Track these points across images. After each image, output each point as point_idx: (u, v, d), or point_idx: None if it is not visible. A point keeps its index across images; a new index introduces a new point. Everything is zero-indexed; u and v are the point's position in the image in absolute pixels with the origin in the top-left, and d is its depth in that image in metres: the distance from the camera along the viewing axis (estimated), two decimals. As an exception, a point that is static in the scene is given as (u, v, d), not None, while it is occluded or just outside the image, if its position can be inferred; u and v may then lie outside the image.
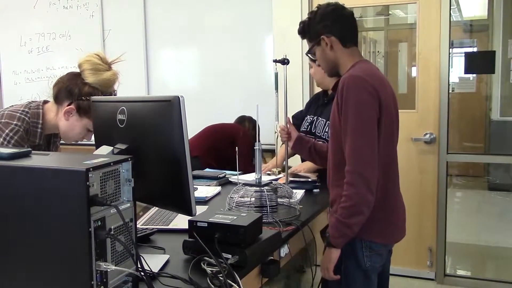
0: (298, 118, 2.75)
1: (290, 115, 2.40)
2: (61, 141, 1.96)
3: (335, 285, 1.84)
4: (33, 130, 1.75)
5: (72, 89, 1.73)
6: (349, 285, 1.81)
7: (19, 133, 1.69)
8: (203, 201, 2.09)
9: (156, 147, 1.31)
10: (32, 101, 1.82)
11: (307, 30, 1.90)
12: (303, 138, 2.22)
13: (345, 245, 1.75)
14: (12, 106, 1.79)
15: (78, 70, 1.77)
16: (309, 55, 1.95)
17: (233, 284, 1.22)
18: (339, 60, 1.85)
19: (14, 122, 1.70)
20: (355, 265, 1.79)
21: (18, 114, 1.72)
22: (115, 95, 1.80)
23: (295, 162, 2.77)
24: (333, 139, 1.83)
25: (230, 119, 3.77)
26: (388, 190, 1.81)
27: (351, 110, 1.68)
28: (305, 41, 1.97)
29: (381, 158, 1.72)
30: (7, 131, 1.67)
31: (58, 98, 1.77)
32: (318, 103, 2.69)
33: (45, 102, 1.82)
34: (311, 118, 2.64)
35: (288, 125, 2.22)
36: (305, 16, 3.59)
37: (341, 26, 1.84)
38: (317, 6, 1.89)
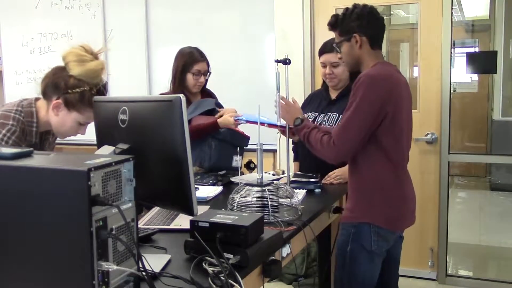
0: None
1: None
2: (58, 139, 1.93)
3: (340, 265, 1.91)
4: (28, 130, 1.72)
5: (57, 83, 1.69)
6: (353, 266, 1.91)
7: (16, 133, 1.66)
8: (204, 201, 2.09)
9: (158, 147, 1.32)
10: (24, 99, 1.78)
11: (339, 24, 2.00)
12: (308, 120, 2.22)
13: (353, 228, 1.92)
14: (3, 105, 1.75)
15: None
16: (336, 48, 2.06)
17: (234, 284, 1.22)
18: (364, 58, 1.99)
19: (10, 123, 1.67)
20: (361, 247, 1.89)
21: (12, 114, 1.69)
22: (105, 87, 1.73)
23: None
24: None
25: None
26: (399, 181, 1.95)
27: (356, 104, 1.84)
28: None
29: (391, 153, 1.89)
30: (4, 131, 1.64)
31: (46, 94, 1.74)
32: (319, 101, 2.70)
33: (37, 99, 1.78)
34: (314, 115, 2.64)
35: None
36: (307, 17, 3.66)
37: (374, 28, 1.99)
38: (353, 5, 2.00)
